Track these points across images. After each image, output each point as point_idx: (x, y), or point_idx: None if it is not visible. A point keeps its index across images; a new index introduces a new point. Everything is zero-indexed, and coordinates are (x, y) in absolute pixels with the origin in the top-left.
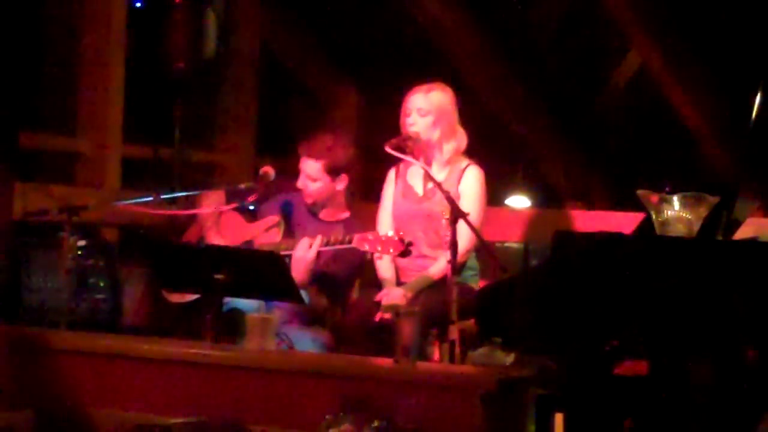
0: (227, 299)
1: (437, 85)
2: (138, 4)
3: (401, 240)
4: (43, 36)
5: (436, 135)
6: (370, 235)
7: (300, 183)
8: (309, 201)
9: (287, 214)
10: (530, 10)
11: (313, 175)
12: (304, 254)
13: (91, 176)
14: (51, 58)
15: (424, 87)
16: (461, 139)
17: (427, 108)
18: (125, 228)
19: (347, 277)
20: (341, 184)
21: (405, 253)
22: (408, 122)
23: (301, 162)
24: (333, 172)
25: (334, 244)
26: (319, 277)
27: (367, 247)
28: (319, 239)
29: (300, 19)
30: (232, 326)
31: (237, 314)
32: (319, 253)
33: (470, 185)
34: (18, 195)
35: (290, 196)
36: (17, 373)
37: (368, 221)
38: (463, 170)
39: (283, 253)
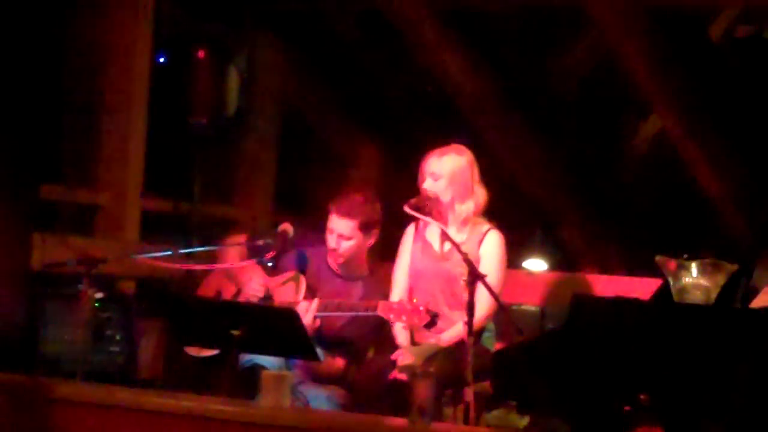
0: (249, 355)
1: (453, 147)
2: (161, 60)
3: (427, 311)
4: (64, 88)
5: (448, 196)
6: (395, 305)
7: (332, 243)
8: (340, 261)
9: (302, 267)
10: (550, 73)
11: (346, 233)
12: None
13: (110, 228)
14: (72, 110)
15: (439, 151)
16: (478, 199)
17: (440, 172)
18: (143, 281)
19: (365, 339)
20: (372, 239)
21: (430, 324)
22: (423, 186)
23: (332, 221)
24: (365, 228)
25: (358, 310)
26: (337, 339)
27: (392, 317)
28: (316, 302)
29: (321, 77)
30: (251, 382)
31: (258, 370)
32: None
33: (491, 250)
34: (37, 246)
35: (306, 250)
36: (32, 424)
37: (386, 280)
38: (484, 234)
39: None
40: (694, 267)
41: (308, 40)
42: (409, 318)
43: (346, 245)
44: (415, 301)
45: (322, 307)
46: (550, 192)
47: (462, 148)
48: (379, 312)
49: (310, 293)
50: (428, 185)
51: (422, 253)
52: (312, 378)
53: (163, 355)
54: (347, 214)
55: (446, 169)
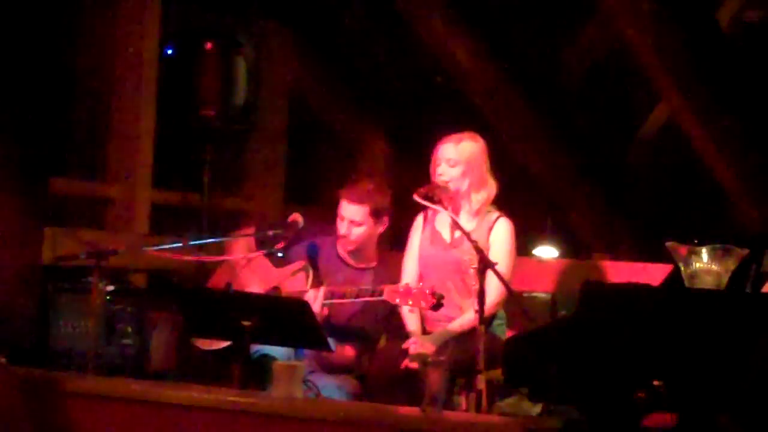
0: (258, 346)
1: (468, 134)
2: (169, 52)
3: (433, 293)
4: (74, 82)
5: (464, 185)
6: (400, 288)
7: (343, 229)
8: (351, 247)
9: (313, 258)
10: (560, 60)
11: (357, 219)
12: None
13: (121, 221)
14: (82, 104)
15: (455, 137)
16: (491, 189)
17: (457, 158)
18: (154, 273)
19: (375, 328)
20: (382, 226)
21: (436, 306)
22: (438, 172)
23: (343, 208)
24: (376, 215)
25: (364, 296)
26: (347, 328)
27: (398, 301)
28: (322, 290)
29: (330, 67)
30: (262, 373)
31: (268, 361)
32: (347, 304)
33: (500, 237)
34: (48, 239)
35: (316, 240)
36: (44, 418)
37: (395, 269)
38: (494, 222)
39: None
40: (704, 252)
41: (316, 30)
42: (415, 301)
43: (356, 231)
44: (421, 284)
45: (329, 295)
46: (560, 179)
47: (476, 135)
48: (385, 296)
49: (320, 283)
50: (443, 170)
51: (431, 241)
52: (323, 368)
53: (175, 348)
54: (358, 200)
55: (464, 155)
